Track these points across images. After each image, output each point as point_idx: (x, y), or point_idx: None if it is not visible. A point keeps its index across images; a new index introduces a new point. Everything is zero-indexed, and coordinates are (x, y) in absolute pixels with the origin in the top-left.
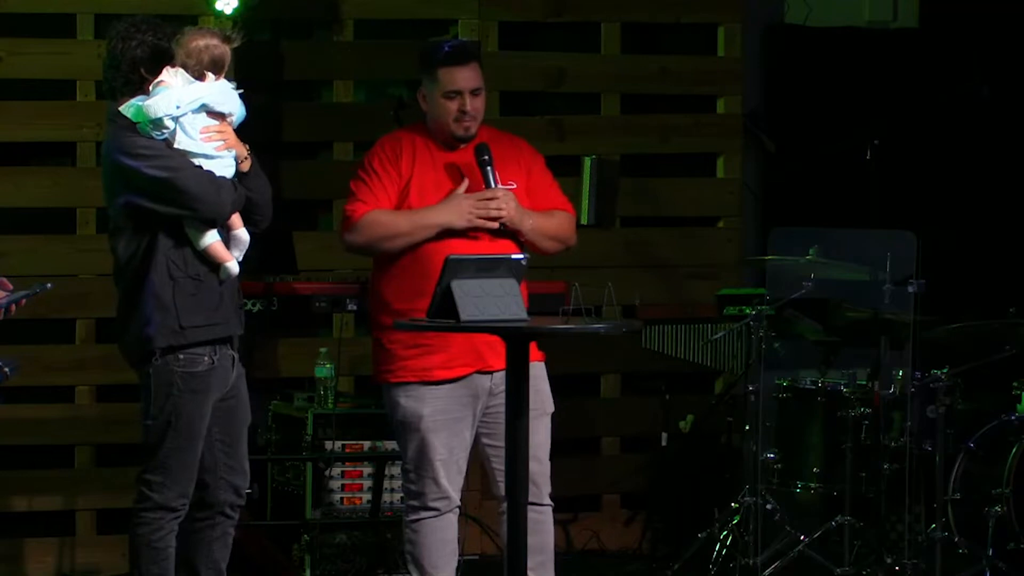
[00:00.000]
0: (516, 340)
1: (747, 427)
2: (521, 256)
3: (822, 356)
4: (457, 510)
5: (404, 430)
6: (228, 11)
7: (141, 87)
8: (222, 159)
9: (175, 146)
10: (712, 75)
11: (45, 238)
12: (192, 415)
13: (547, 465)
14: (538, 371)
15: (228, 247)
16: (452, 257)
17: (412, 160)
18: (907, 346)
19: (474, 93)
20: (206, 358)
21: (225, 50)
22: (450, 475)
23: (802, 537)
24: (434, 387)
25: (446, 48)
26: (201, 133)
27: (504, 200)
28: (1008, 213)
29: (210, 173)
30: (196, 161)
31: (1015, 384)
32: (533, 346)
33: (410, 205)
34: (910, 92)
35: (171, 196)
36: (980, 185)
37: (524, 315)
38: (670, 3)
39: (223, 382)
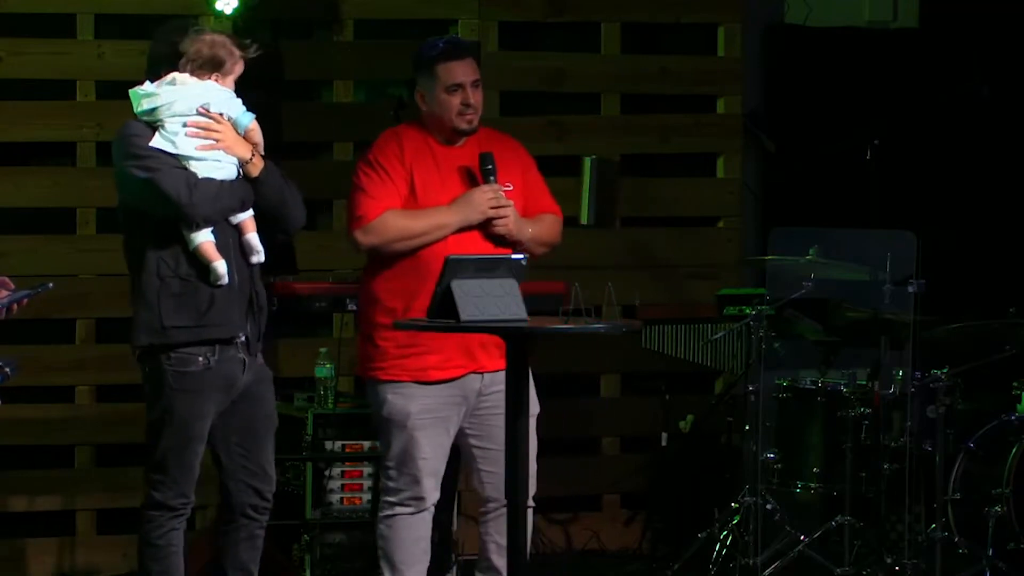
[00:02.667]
0: (516, 340)
1: (747, 427)
2: (521, 256)
3: (822, 356)
4: (432, 510)
5: (389, 427)
6: (228, 11)
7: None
8: (211, 161)
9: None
10: (712, 75)
11: (45, 238)
12: (186, 415)
13: (534, 466)
14: None
15: (243, 251)
16: (452, 257)
17: (414, 155)
18: (907, 346)
19: (474, 86)
20: (200, 358)
21: (229, 53)
22: (431, 475)
23: (802, 537)
24: (427, 387)
25: (440, 44)
26: (188, 130)
27: (507, 212)
28: (1008, 213)
29: (190, 175)
30: (187, 162)
31: (1015, 384)
32: None
33: (416, 203)
34: (910, 92)
35: (152, 197)
36: (980, 185)
37: (524, 315)
38: (670, 3)
39: (226, 384)
